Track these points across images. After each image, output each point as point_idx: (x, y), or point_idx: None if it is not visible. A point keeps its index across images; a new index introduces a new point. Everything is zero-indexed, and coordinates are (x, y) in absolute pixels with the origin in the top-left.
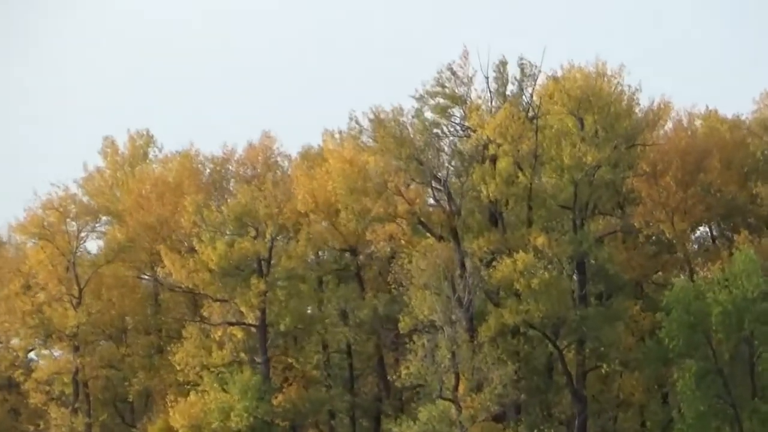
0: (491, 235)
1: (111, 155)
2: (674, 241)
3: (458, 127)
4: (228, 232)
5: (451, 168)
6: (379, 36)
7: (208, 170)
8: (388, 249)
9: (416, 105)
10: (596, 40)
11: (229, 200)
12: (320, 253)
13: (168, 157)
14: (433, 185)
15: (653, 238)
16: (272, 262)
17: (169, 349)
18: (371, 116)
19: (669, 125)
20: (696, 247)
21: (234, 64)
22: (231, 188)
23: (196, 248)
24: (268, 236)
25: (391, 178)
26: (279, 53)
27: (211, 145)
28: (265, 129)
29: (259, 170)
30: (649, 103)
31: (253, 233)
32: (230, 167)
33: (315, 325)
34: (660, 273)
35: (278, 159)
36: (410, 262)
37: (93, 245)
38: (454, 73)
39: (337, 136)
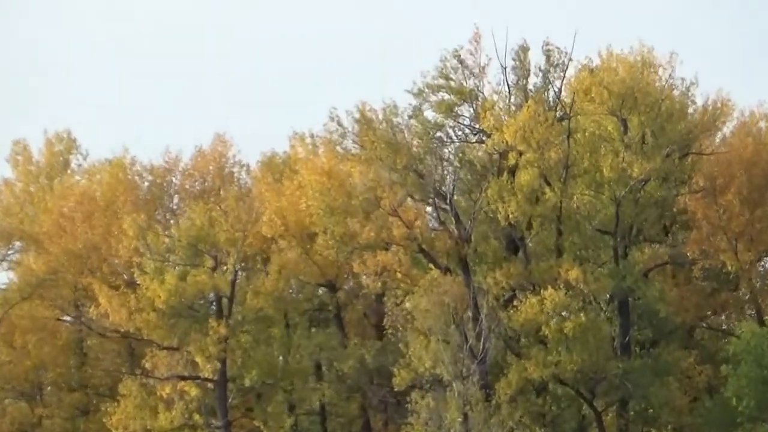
0: (511, 267)
1: (23, 164)
2: (737, 275)
3: (468, 130)
4: (179, 262)
5: (459, 182)
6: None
7: (146, 183)
8: (379, 284)
9: (414, 102)
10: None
11: (178, 221)
12: (290, 289)
13: (95, 167)
14: (437, 204)
15: (710, 271)
16: (235, 300)
17: (100, 409)
18: (357, 115)
19: (728, 128)
20: (765, 282)
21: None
22: (176, 206)
23: (139, 282)
24: (230, 267)
25: (384, 195)
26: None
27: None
28: (219, 131)
29: (209, 183)
30: (703, 100)
31: (210, 263)
32: (174, 179)
33: (287, 380)
34: (718, 315)
35: (235, 169)
36: (408, 300)
37: (2, 277)
38: (462, 62)
39: (309, 140)
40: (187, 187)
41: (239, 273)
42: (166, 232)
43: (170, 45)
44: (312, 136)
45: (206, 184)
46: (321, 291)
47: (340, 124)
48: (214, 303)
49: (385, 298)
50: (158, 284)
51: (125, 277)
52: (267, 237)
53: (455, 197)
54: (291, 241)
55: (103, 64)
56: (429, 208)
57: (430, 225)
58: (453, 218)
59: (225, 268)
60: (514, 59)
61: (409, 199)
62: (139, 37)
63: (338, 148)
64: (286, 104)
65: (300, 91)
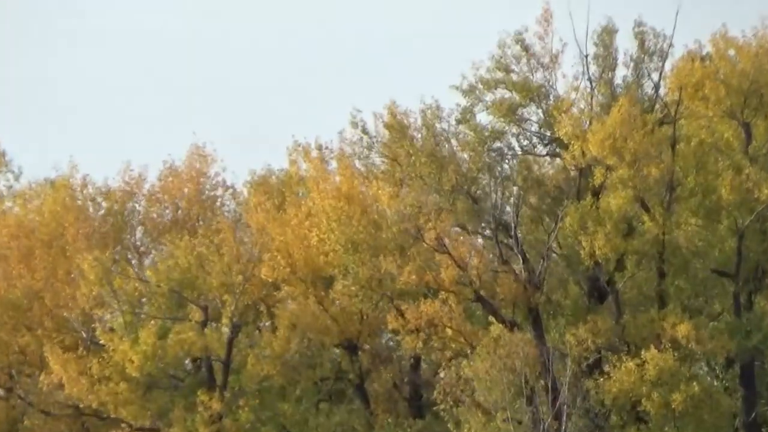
0: (597, 321)
1: None
2: None
3: (536, 139)
4: (157, 315)
5: (526, 208)
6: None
7: (101, 211)
8: (420, 344)
9: (463, 102)
10: None
11: (155, 262)
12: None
13: (32, 190)
14: (498, 237)
15: None
16: (232, 365)
17: None
18: (387, 119)
19: None
20: None
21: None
22: (139, 241)
23: (102, 342)
24: (225, 322)
25: (429, 225)
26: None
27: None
28: (197, 143)
29: (183, 211)
30: None
31: (199, 316)
32: (137, 206)
33: None
34: None
35: (218, 192)
36: (462, 366)
37: None
38: (527, 48)
39: (315, 153)
40: (154, 216)
41: (237, 329)
42: (141, 276)
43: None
44: (321, 147)
45: (179, 212)
46: (336, 353)
47: (365, 131)
48: (205, 369)
49: (424, 362)
50: (130, 345)
51: (83, 335)
52: (267, 282)
53: (521, 228)
54: (299, 287)
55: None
56: (484, 241)
57: (490, 265)
58: (519, 256)
59: (219, 322)
60: (596, 44)
61: (460, 230)
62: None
63: (357, 163)
64: (277, 111)
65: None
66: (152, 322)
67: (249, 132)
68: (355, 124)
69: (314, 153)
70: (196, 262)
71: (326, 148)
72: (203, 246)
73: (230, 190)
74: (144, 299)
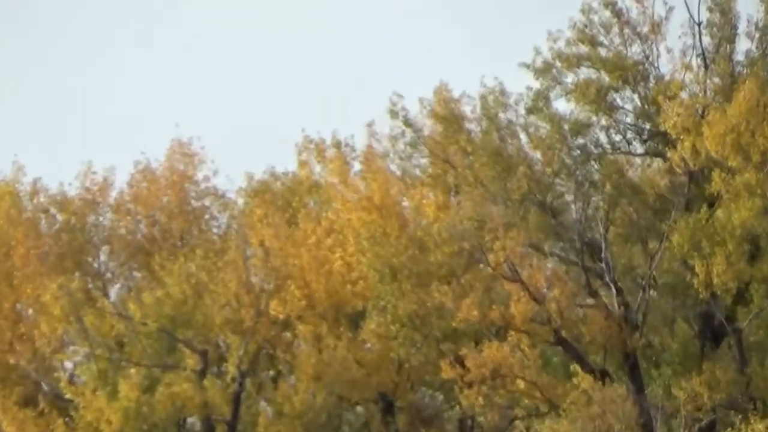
0: (714, 371)
1: None
2: None
3: (631, 133)
4: (142, 362)
5: (618, 223)
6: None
7: (57, 225)
8: (481, 399)
9: (536, 85)
10: None
11: (134, 290)
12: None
13: None
14: (584, 261)
15: None
16: (239, 426)
17: None
18: (438, 107)
19: None
20: None
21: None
22: (102, 265)
23: (70, 396)
24: (231, 370)
25: (495, 245)
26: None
27: None
28: (180, 139)
29: (162, 225)
30: None
31: (196, 363)
32: (101, 218)
33: None
34: None
35: (206, 202)
36: (540, 427)
37: None
38: (619, 15)
39: (331, 152)
40: (123, 232)
41: (246, 380)
42: (120, 310)
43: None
44: (339, 145)
45: (156, 228)
46: (365, 409)
47: (408, 122)
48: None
49: (479, 424)
50: (106, 400)
51: (44, 387)
52: (276, 319)
53: (611, 249)
54: (319, 327)
55: None
56: (565, 266)
57: (573, 297)
58: (611, 285)
59: (222, 371)
60: (711, 9)
61: (532, 251)
62: None
63: (392, 164)
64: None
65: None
66: (135, 370)
67: (246, 130)
68: (394, 114)
69: (331, 152)
70: (194, 292)
71: (347, 145)
72: (203, 271)
73: (222, 199)
74: (125, 341)
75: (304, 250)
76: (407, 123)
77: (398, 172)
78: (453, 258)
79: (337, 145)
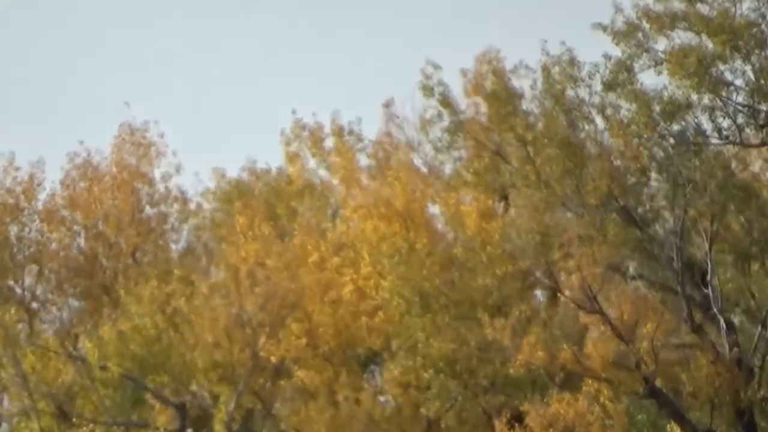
0: None
1: None
2: None
3: (744, 116)
4: (98, 419)
5: (727, 238)
6: None
7: None
8: None
9: (617, 53)
10: None
11: (93, 325)
12: None
13: None
14: (684, 287)
15: None
16: None
17: None
18: (489, 80)
19: None
20: None
21: None
22: (27, 289)
23: None
24: (219, 430)
25: (568, 264)
26: None
27: None
28: (129, 120)
29: (106, 238)
30: None
31: (166, 420)
32: (27, 228)
33: None
34: None
35: (172, 208)
36: None
37: None
38: None
39: (332, 142)
40: (54, 246)
41: None
42: (70, 351)
43: None
44: (341, 132)
45: (99, 241)
46: None
47: (447, 101)
48: None
49: None
50: None
51: None
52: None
53: (717, 270)
54: (323, 372)
55: None
56: (658, 294)
57: (670, 335)
58: (720, 319)
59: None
60: None
61: (613, 274)
62: None
63: (417, 158)
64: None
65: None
66: (89, 427)
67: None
68: (428, 90)
69: (330, 141)
70: (169, 326)
71: (351, 132)
72: (181, 297)
73: (191, 204)
74: (76, 390)
75: (304, 272)
76: (446, 102)
77: (424, 169)
78: (507, 282)
79: (339, 132)
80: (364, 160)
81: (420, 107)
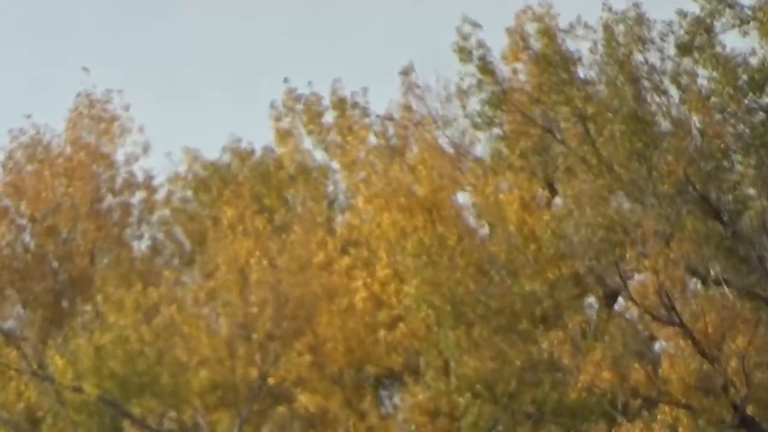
0: None
1: None
2: None
3: None
4: None
5: None
6: None
7: None
8: None
9: (693, 7)
10: None
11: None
12: None
13: None
14: None
15: None
16: None
17: None
18: (538, 39)
19: None
20: None
21: None
22: None
23: None
24: None
25: (645, 265)
26: None
27: None
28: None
29: (56, 234)
30: None
31: None
32: None
33: None
34: None
35: (132, 198)
36: None
37: None
38: None
39: (332, 114)
40: None
41: None
42: (33, 368)
43: None
44: (344, 105)
45: (50, 237)
46: None
47: (486, 66)
48: None
49: None
50: None
51: None
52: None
53: None
54: (330, 397)
55: None
56: (748, 303)
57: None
58: None
59: None
60: None
61: (690, 277)
62: None
63: (441, 137)
64: None
65: None
66: None
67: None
68: (465, 53)
69: (329, 115)
70: (158, 339)
71: (355, 105)
72: (172, 305)
73: (158, 192)
74: (41, 416)
75: (307, 275)
76: (486, 68)
77: (450, 150)
78: (559, 287)
79: (341, 105)
80: (373, 140)
81: (443, 76)
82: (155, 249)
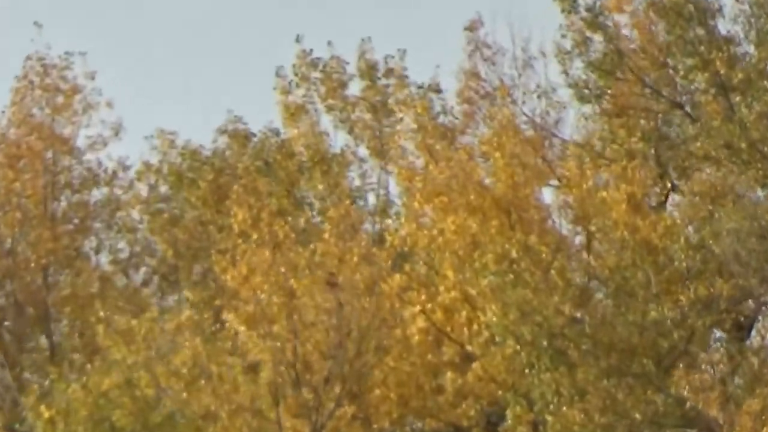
0: None
1: None
2: None
3: None
4: None
5: None
6: None
7: None
8: None
9: None
10: None
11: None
12: None
13: None
14: None
15: None
16: None
17: None
18: None
19: None
20: None
21: None
22: None
23: None
24: None
25: None
26: None
27: None
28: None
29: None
30: None
31: None
32: None
33: None
34: None
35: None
36: None
37: None
38: None
39: (357, 87)
40: None
41: None
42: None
43: None
44: (371, 71)
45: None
46: None
47: (597, 20)
48: None
49: None
50: None
51: None
52: None
53: None
54: None
55: None
56: None
57: None
58: None
59: None
60: None
61: None
62: None
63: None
64: None
65: None
66: None
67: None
68: (569, 2)
69: (356, 85)
70: (178, 382)
71: (390, 70)
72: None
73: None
74: None
75: (380, 299)
76: (595, 22)
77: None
78: (693, 314)
79: (369, 72)
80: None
81: (519, 34)
82: (124, 263)
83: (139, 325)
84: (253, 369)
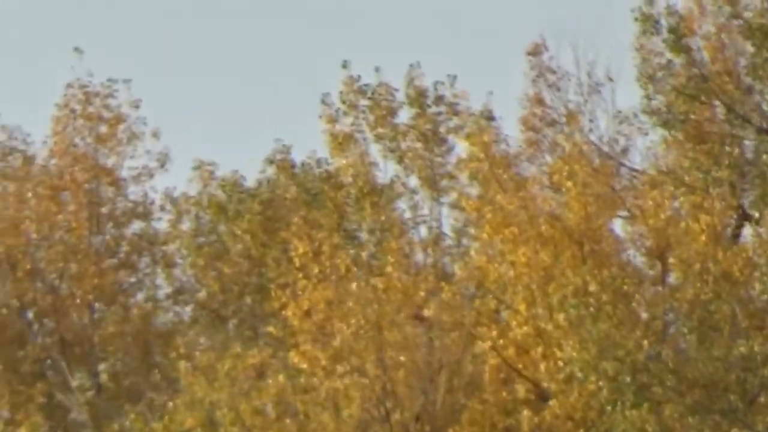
0: None
1: None
2: None
3: None
4: None
5: None
6: None
7: None
8: None
9: None
10: None
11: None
12: None
13: None
14: None
15: None
16: None
17: None
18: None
19: None
20: None
21: None
22: None
23: None
24: None
25: None
26: None
27: None
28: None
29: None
30: None
31: None
32: None
33: None
34: None
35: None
36: None
37: None
38: None
39: (406, 114)
40: None
41: None
42: None
43: None
44: (422, 98)
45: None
46: None
47: (680, 42)
48: None
49: None
50: None
51: None
52: None
53: None
54: None
55: None
56: None
57: None
58: None
59: None
60: None
61: None
62: None
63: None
64: None
65: None
66: None
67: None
68: (648, 22)
69: (405, 113)
70: (264, 421)
71: (438, 100)
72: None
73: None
74: None
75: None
76: (679, 43)
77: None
78: None
79: (418, 100)
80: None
81: (584, 57)
82: (163, 299)
83: (222, 362)
84: (335, 405)
